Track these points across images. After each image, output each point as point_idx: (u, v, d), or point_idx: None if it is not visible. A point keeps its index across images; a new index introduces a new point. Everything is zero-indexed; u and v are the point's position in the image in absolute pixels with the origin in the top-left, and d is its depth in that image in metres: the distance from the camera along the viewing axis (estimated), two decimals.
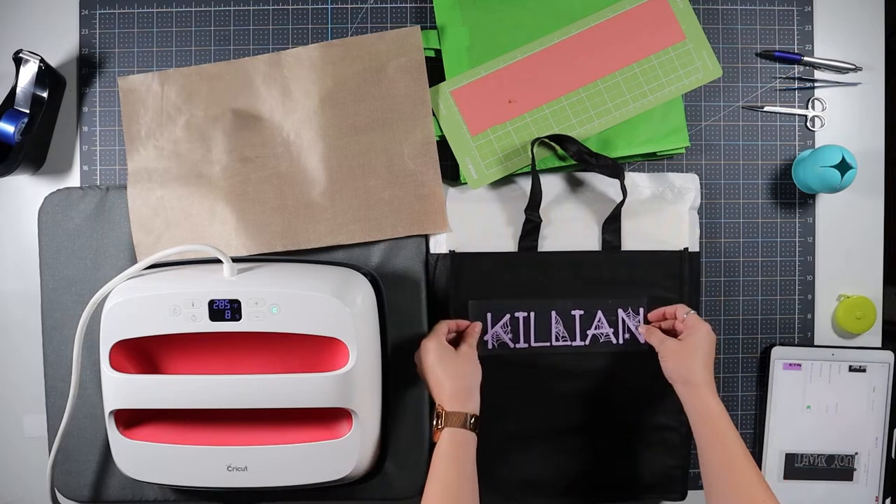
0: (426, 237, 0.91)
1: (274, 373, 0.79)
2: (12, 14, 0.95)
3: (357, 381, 0.79)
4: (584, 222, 0.91)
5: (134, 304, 0.77)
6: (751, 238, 0.95)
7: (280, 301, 0.76)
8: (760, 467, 0.94)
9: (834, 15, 0.96)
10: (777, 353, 0.94)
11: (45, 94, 0.90)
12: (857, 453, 0.94)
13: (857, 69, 0.95)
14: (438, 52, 0.93)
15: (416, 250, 0.90)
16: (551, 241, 0.90)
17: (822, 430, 0.94)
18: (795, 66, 0.96)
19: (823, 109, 0.96)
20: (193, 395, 0.78)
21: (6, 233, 0.95)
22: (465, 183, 0.91)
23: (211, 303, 0.76)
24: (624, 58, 0.91)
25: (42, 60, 0.89)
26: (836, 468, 0.94)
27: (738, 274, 0.95)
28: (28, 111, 0.90)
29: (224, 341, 0.79)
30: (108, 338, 0.78)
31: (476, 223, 0.90)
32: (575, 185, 0.92)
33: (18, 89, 0.90)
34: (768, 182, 0.96)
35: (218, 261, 0.79)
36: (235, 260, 0.80)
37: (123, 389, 0.78)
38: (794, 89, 0.96)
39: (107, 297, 0.79)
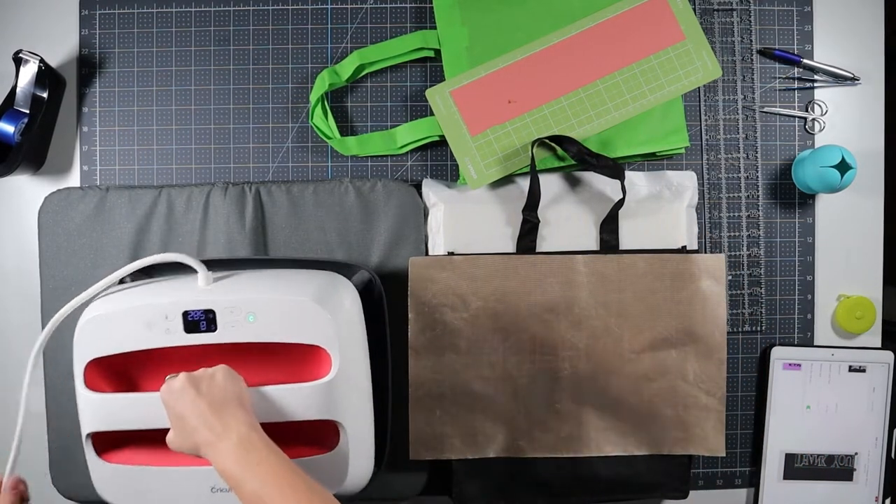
0: (425, 238, 0.91)
1: (253, 385, 0.74)
2: (12, 14, 0.95)
3: (342, 390, 0.74)
4: (581, 222, 0.91)
5: (105, 320, 0.73)
6: (750, 238, 0.95)
7: (256, 308, 0.73)
8: (760, 468, 0.94)
9: (833, 15, 0.96)
10: (777, 353, 0.94)
11: (45, 95, 0.90)
12: (856, 453, 0.94)
13: (855, 78, 0.95)
14: (438, 52, 0.93)
15: (415, 251, 0.90)
16: (549, 241, 0.90)
17: (821, 430, 0.94)
18: (795, 67, 0.96)
19: (823, 113, 0.96)
20: None
21: (6, 233, 0.95)
22: (465, 183, 0.91)
23: (185, 314, 0.73)
24: (623, 58, 0.91)
25: (42, 60, 0.89)
26: (836, 468, 0.94)
27: (737, 274, 0.95)
28: (28, 111, 0.90)
29: (202, 354, 0.75)
30: (82, 356, 0.74)
31: (474, 224, 0.90)
32: (572, 184, 0.92)
33: (18, 89, 0.90)
34: (768, 182, 0.96)
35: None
36: (212, 268, 0.77)
37: (101, 410, 0.75)
38: (794, 89, 0.96)
39: (75, 313, 0.75)
